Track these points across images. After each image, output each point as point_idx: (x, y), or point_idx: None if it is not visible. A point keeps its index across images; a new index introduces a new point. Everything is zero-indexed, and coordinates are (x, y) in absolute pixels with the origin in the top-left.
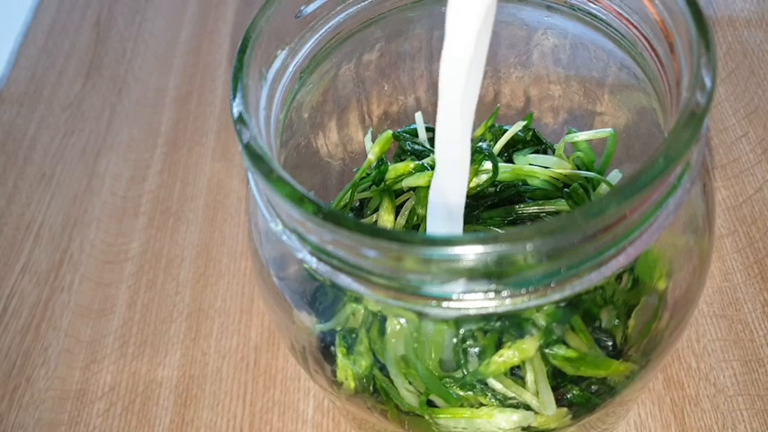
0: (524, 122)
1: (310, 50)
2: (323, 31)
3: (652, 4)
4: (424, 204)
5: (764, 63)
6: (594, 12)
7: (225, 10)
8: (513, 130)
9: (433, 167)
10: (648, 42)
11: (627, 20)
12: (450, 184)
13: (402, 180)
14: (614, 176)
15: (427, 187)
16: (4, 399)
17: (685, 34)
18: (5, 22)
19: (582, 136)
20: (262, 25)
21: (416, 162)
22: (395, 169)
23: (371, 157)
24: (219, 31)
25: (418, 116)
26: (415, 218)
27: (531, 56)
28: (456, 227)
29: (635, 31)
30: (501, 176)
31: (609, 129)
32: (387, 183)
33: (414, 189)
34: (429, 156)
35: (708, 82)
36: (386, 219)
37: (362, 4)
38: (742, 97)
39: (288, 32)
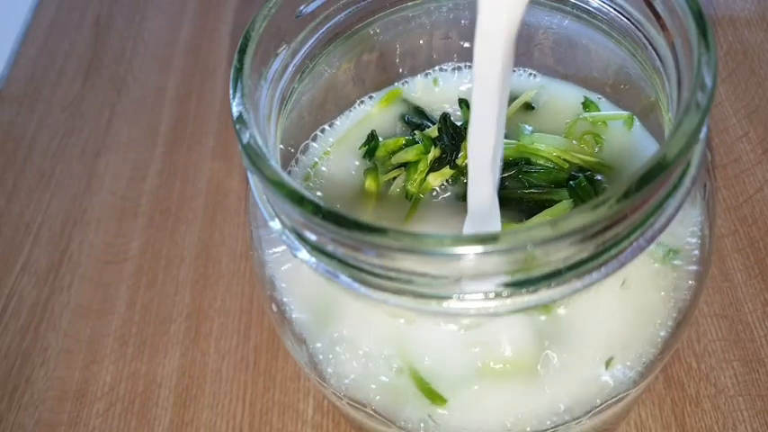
0: (533, 91)
1: (310, 50)
2: (323, 30)
3: (653, 3)
4: (413, 180)
5: (765, 63)
6: (595, 11)
7: (225, 10)
8: (523, 99)
9: (423, 141)
10: (649, 42)
11: (627, 19)
12: (482, 182)
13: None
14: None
15: (417, 162)
16: (3, 399)
17: (686, 34)
18: (5, 22)
19: (598, 115)
20: (262, 25)
21: (407, 137)
22: (385, 145)
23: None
24: (219, 31)
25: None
26: (406, 195)
27: (531, 56)
28: (494, 225)
29: (635, 30)
30: (504, 152)
31: (626, 111)
32: (377, 158)
33: (405, 165)
34: (426, 128)
35: (708, 82)
36: (369, 192)
37: (362, 3)
38: (742, 97)
39: (288, 32)
